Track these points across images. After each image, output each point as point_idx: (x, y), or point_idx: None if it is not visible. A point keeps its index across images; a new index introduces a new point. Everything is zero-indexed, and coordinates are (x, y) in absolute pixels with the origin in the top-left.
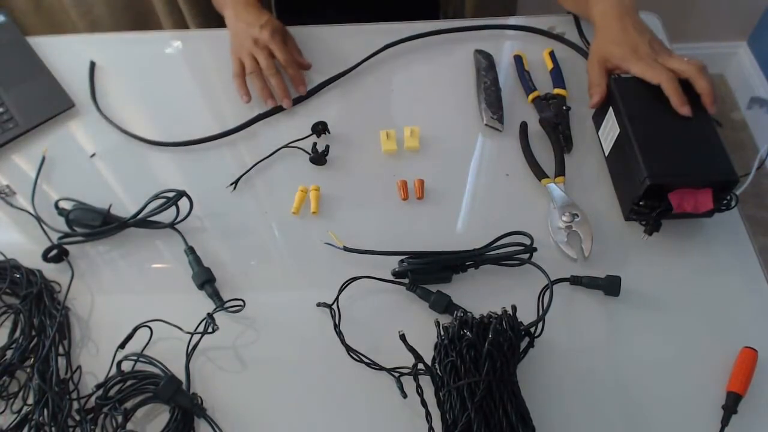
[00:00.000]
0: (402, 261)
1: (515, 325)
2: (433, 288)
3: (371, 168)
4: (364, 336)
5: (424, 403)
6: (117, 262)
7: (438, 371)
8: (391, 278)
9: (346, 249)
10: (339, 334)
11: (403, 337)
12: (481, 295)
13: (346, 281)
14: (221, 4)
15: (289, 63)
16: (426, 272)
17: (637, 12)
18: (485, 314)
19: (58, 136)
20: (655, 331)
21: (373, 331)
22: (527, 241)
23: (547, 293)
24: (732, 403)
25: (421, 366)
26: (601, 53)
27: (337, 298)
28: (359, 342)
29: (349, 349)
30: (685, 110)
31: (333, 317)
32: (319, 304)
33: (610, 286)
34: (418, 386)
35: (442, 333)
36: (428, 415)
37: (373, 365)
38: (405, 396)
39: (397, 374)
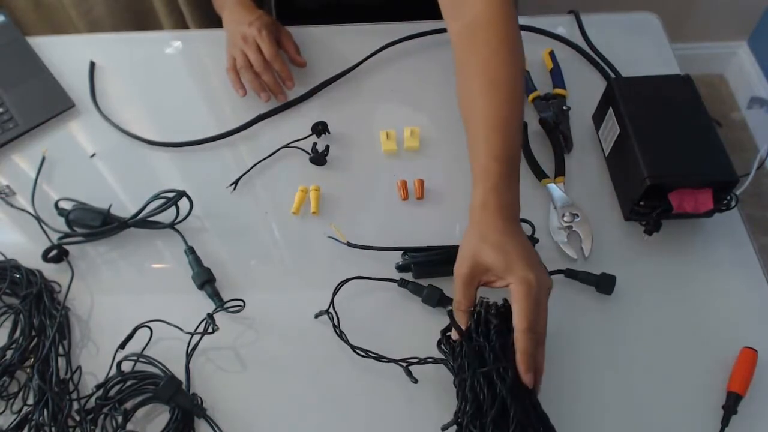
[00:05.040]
0: (404, 254)
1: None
2: (437, 282)
3: (371, 168)
4: (363, 334)
5: (462, 382)
6: (117, 262)
7: (462, 357)
8: (388, 275)
9: (349, 244)
10: (340, 335)
11: (450, 313)
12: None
13: (338, 285)
14: (220, 6)
15: (274, 57)
16: (429, 265)
17: (517, 218)
18: (500, 302)
19: (58, 136)
20: (655, 330)
21: (371, 328)
22: (528, 231)
23: None
24: (732, 403)
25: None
26: (478, 256)
27: (331, 302)
28: (358, 340)
29: (354, 348)
30: (528, 378)
31: (332, 320)
32: (317, 316)
33: (604, 283)
34: (458, 357)
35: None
36: (463, 397)
37: (381, 359)
38: (415, 381)
39: (405, 364)
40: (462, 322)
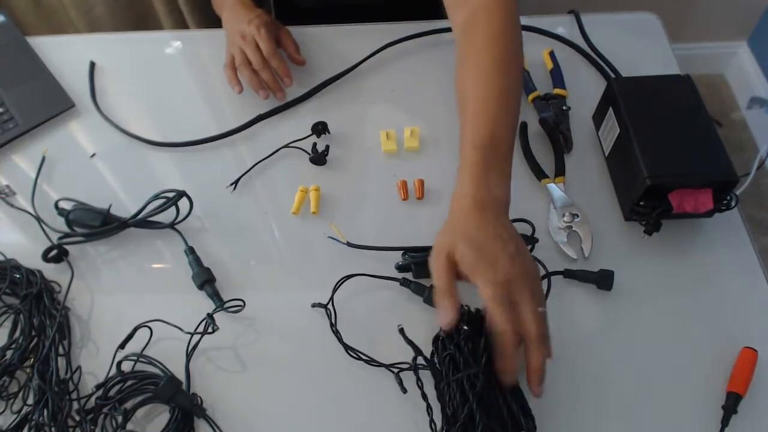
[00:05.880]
0: (404, 254)
1: None
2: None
3: (371, 168)
4: (362, 333)
5: (424, 396)
6: (117, 262)
7: (437, 364)
8: (388, 275)
9: (349, 244)
10: (336, 333)
11: (402, 331)
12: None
13: (339, 280)
14: (219, 6)
15: (272, 55)
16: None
17: (506, 210)
18: (482, 307)
19: (58, 136)
20: (654, 331)
21: (370, 328)
22: (528, 230)
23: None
24: (732, 403)
25: (420, 359)
26: (451, 250)
27: (331, 298)
28: (357, 340)
29: (347, 348)
30: (508, 378)
31: (329, 317)
32: (314, 305)
33: (603, 279)
34: (418, 379)
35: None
36: (429, 408)
37: (371, 362)
38: (405, 391)
39: (396, 370)
40: (448, 307)
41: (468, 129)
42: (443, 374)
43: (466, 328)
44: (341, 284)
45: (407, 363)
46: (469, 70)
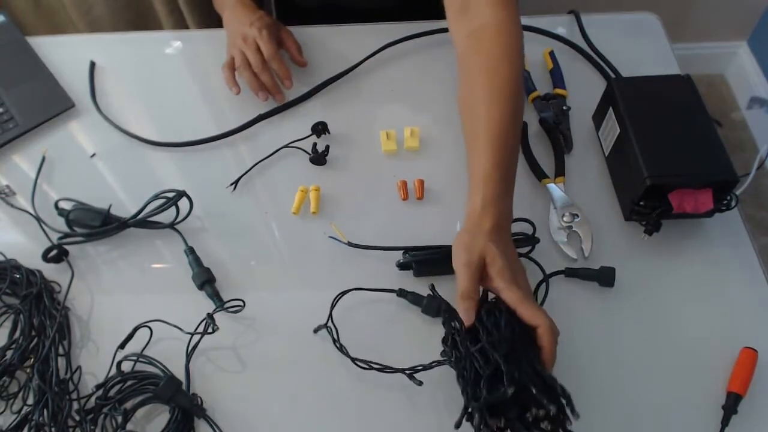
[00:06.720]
0: (405, 253)
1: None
2: (437, 281)
3: (371, 168)
4: (363, 344)
5: (464, 345)
6: (117, 262)
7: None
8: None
9: (349, 244)
10: (340, 348)
11: (432, 287)
12: None
13: (336, 296)
14: (220, 5)
15: (272, 57)
16: (430, 264)
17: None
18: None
19: (58, 136)
20: (654, 331)
21: (371, 338)
22: (529, 230)
23: (543, 290)
24: (732, 403)
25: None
26: (483, 253)
27: (330, 316)
28: (358, 349)
29: (354, 360)
30: (550, 368)
31: (331, 334)
32: (315, 330)
33: (605, 276)
34: (452, 334)
35: None
36: (467, 361)
37: (385, 369)
38: (420, 383)
39: (409, 371)
40: (471, 310)
41: (488, 148)
42: (467, 349)
43: (488, 306)
44: (337, 301)
45: (420, 365)
46: (480, 88)
